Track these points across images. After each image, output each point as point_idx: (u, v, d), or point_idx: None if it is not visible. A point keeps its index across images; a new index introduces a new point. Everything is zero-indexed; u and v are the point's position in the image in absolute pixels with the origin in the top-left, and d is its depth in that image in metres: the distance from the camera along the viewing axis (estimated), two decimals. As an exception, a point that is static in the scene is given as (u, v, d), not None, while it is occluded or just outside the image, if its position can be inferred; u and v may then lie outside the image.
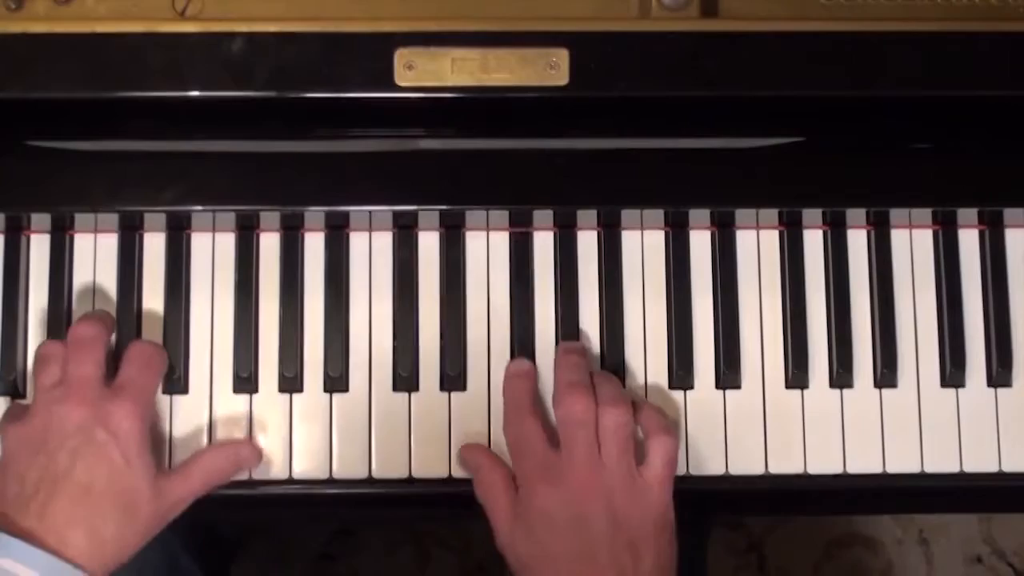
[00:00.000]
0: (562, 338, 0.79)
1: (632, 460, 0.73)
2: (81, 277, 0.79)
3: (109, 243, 0.79)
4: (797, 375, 0.79)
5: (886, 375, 0.79)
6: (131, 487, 0.71)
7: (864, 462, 0.79)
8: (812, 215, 0.80)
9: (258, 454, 0.77)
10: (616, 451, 0.72)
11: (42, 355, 0.75)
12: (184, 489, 0.74)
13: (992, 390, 0.80)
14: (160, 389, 0.77)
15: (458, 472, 0.78)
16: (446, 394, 0.79)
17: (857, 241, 0.81)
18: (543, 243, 0.80)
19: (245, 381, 0.78)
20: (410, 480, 0.78)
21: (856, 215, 0.80)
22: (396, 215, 0.79)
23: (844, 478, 0.78)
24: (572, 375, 0.75)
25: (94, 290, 0.79)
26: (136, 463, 0.71)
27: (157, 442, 0.77)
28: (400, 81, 0.72)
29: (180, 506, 0.74)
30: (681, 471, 0.77)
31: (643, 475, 0.73)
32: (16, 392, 0.78)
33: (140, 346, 0.76)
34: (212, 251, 0.79)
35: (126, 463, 0.71)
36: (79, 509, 0.69)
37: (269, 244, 0.80)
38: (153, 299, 0.79)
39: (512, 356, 0.79)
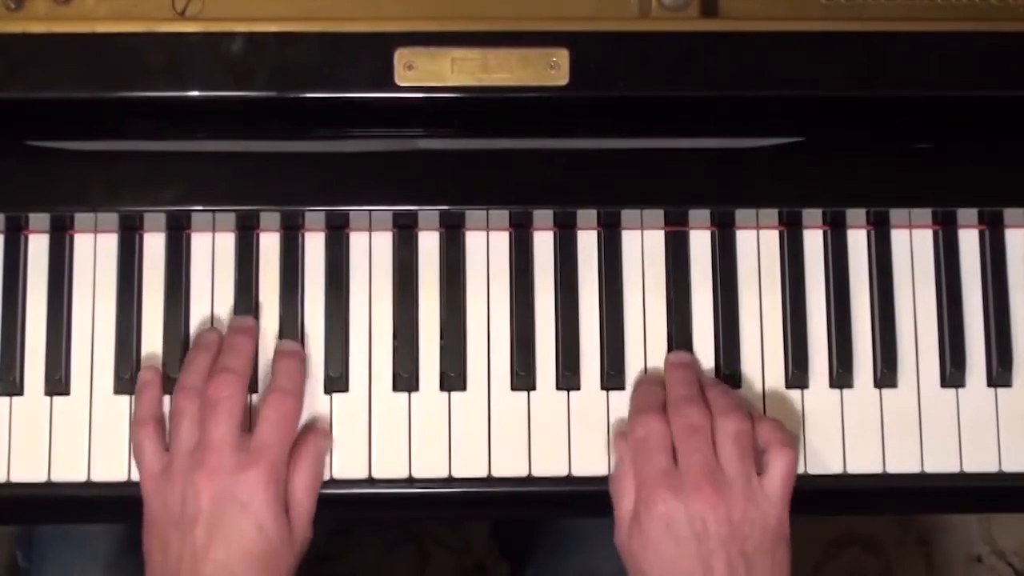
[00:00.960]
0: (562, 339, 0.79)
1: (752, 469, 0.73)
2: (81, 277, 0.79)
3: (109, 243, 0.79)
4: (797, 375, 0.79)
5: (886, 375, 0.79)
6: (268, 552, 0.72)
7: (864, 462, 0.79)
8: (812, 215, 0.80)
9: (328, 436, 0.77)
10: (736, 459, 0.72)
11: (176, 411, 0.74)
12: (307, 518, 0.75)
13: (992, 390, 0.80)
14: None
15: (458, 472, 0.78)
16: (446, 394, 0.79)
17: (857, 241, 0.81)
18: (543, 243, 0.80)
19: (245, 381, 0.78)
20: (410, 480, 0.78)
21: (856, 215, 0.80)
22: (396, 215, 0.79)
23: (844, 478, 0.78)
24: (684, 388, 0.76)
25: (94, 290, 0.79)
26: (272, 530, 0.72)
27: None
28: (400, 81, 0.72)
29: (309, 529, 0.75)
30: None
31: (762, 485, 0.73)
32: (16, 392, 0.78)
33: (278, 401, 0.75)
34: (212, 251, 0.79)
35: (261, 534, 0.71)
36: None
37: (269, 244, 0.80)
38: (153, 299, 0.79)
39: (512, 356, 0.79)
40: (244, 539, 0.71)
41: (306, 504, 0.74)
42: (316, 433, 0.76)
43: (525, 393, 0.79)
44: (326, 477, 0.77)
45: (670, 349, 0.79)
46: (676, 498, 0.71)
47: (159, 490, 0.73)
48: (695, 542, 0.71)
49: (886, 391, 0.80)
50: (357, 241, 0.80)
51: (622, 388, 0.79)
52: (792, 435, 0.77)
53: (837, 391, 0.79)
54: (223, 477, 0.71)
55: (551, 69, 0.72)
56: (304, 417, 0.77)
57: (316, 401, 0.78)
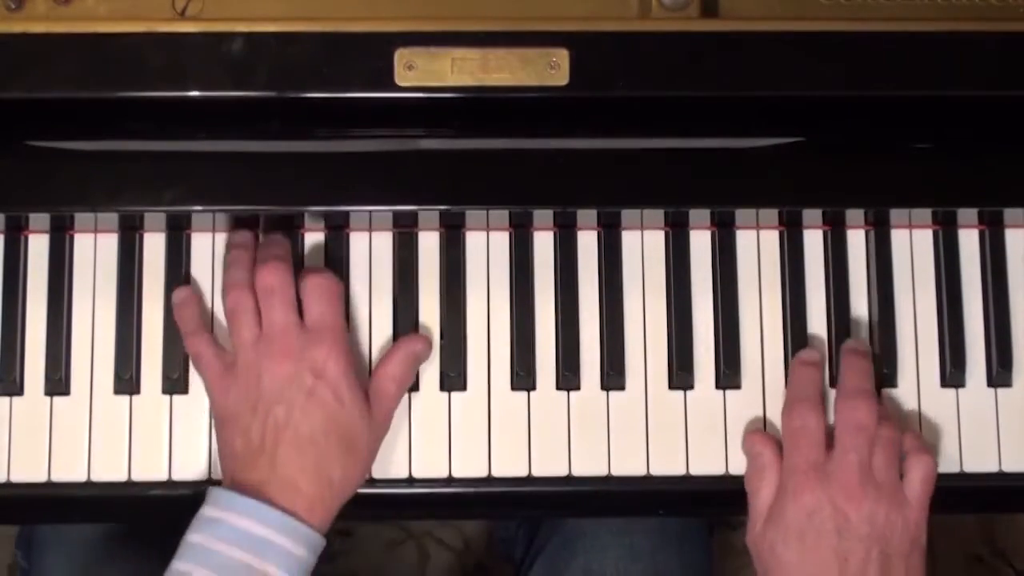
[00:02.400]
0: (562, 339, 0.79)
1: (898, 476, 0.74)
2: (81, 277, 0.79)
3: (109, 243, 0.79)
4: (797, 375, 0.79)
5: (886, 375, 0.79)
6: (348, 424, 0.73)
7: (864, 462, 0.78)
8: (812, 215, 0.80)
9: (429, 344, 0.78)
10: (886, 463, 0.73)
11: (232, 308, 0.75)
12: (390, 406, 0.76)
13: (992, 390, 0.80)
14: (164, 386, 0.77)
15: (458, 472, 0.78)
16: (446, 394, 0.79)
17: (857, 241, 0.81)
18: (543, 243, 0.80)
19: (245, 381, 0.78)
20: (410, 480, 0.78)
21: (856, 215, 0.80)
22: (396, 215, 0.79)
23: (844, 478, 0.78)
24: (861, 381, 0.76)
25: (94, 290, 0.79)
26: (348, 399, 0.73)
27: (155, 444, 0.77)
28: (400, 81, 0.72)
29: (389, 423, 0.76)
30: (680, 471, 0.77)
31: (904, 491, 0.74)
32: (16, 392, 0.78)
33: (316, 279, 0.75)
34: (212, 251, 0.79)
35: (339, 403, 0.72)
36: (305, 457, 0.71)
37: (269, 244, 0.79)
38: (153, 299, 0.79)
39: (512, 356, 0.79)
40: (323, 408, 0.72)
41: (390, 394, 0.76)
42: (412, 337, 0.78)
43: (525, 393, 0.79)
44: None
45: (670, 349, 0.79)
46: (824, 491, 0.72)
47: (230, 387, 0.74)
48: (836, 536, 0.71)
49: (886, 391, 0.79)
50: (357, 241, 0.80)
51: (622, 388, 0.79)
52: (931, 444, 0.78)
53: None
54: (294, 356, 0.72)
55: (551, 69, 0.72)
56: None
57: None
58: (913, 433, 0.77)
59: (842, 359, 0.78)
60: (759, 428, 0.78)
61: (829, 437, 0.75)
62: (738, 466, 0.78)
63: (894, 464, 0.74)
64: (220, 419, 0.74)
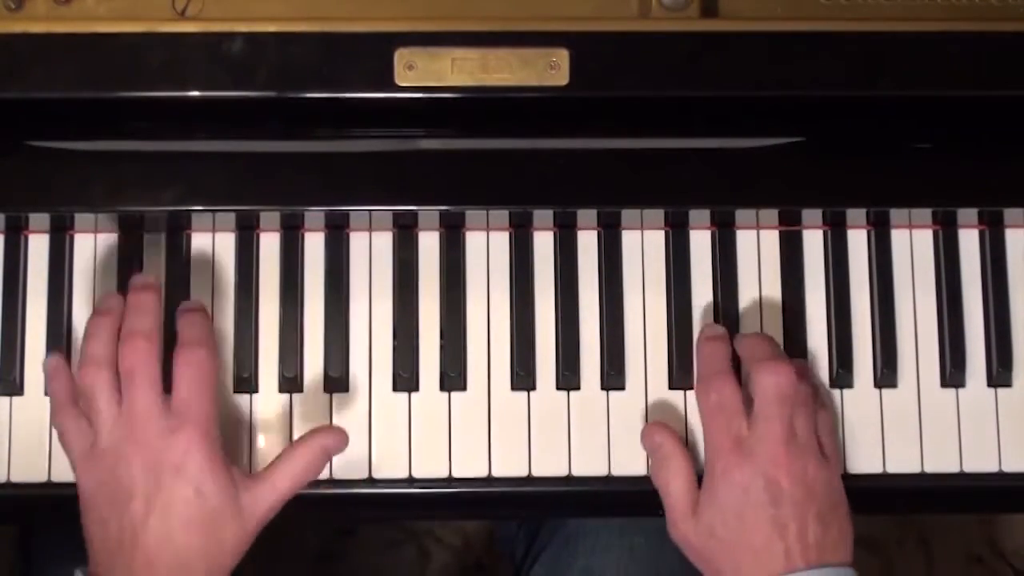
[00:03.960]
0: (562, 339, 0.79)
1: (815, 432, 0.74)
2: (81, 277, 0.79)
3: (109, 243, 0.79)
4: (797, 375, 0.79)
5: (886, 375, 0.79)
6: (210, 517, 0.69)
7: (864, 462, 0.79)
8: (812, 215, 0.80)
9: (344, 439, 0.75)
10: (806, 423, 0.73)
11: (87, 386, 0.71)
12: (272, 498, 0.72)
13: (992, 390, 0.80)
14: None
15: (458, 472, 0.78)
16: (446, 394, 0.79)
17: (857, 241, 0.81)
18: (543, 243, 0.80)
19: (245, 381, 0.78)
20: (410, 480, 0.78)
21: (856, 215, 0.80)
22: (396, 215, 0.79)
23: (844, 478, 0.78)
24: (766, 349, 0.75)
25: (94, 290, 0.79)
26: (210, 491, 0.69)
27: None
28: (400, 81, 0.72)
29: (270, 514, 0.72)
30: (681, 471, 0.77)
31: (823, 448, 0.74)
32: (16, 392, 0.78)
33: (187, 356, 0.71)
34: (212, 251, 0.79)
35: (199, 496, 0.69)
36: (164, 554, 0.68)
37: (269, 244, 0.80)
38: (153, 299, 0.79)
39: (512, 356, 0.79)
40: (182, 505, 0.68)
41: (270, 503, 0.72)
42: (325, 432, 0.75)
43: (525, 393, 0.79)
44: (325, 476, 0.77)
45: (670, 349, 0.79)
46: (753, 464, 0.72)
47: (90, 469, 0.70)
48: (773, 506, 0.71)
49: (886, 391, 0.80)
50: (357, 241, 0.80)
51: (622, 388, 0.79)
52: (819, 392, 0.78)
53: (837, 391, 0.79)
54: (153, 445, 0.69)
55: (551, 69, 0.72)
56: (314, 416, 0.78)
57: (317, 401, 0.78)
58: (814, 386, 0.77)
59: (739, 341, 0.77)
60: (658, 423, 0.77)
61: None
62: (738, 466, 0.78)
63: (811, 420, 0.73)
64: (81, 503, 0.71)
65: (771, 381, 0.72)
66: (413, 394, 0.79)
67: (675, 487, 0.74)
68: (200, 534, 0.69)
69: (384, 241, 0.80)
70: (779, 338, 0.80)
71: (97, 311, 0.74)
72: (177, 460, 0.69)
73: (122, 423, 0.70)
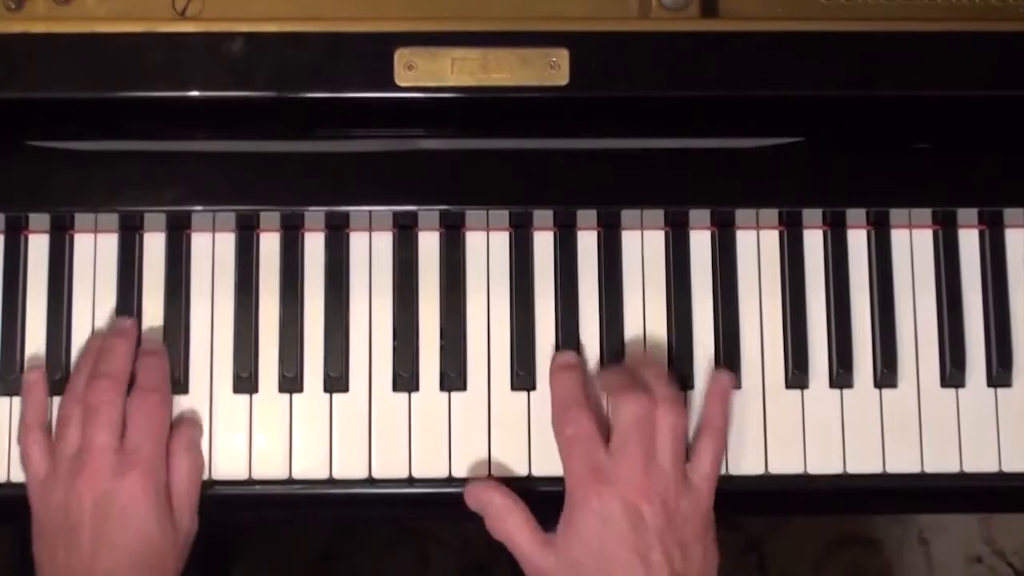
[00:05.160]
0: (563, 338, 0.79)
1: (683, 459, 0.73)
2: (81, 277, 0.79)
3: (109, 243, 0.79)
4: (797, 375, 0.79)
5: (886, 375, 0.79)
6: (153, 554, 0.72)
7: (864, 462, 0.79)
8: (812, 215, 0.80)
9: (198, 426, 0.77)
10: (671, 451, 0.73)
11: (62, 417, 0.75)
12: (191, 511, 0.75)
13: (992, 390, 0.80)
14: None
15: (458, 472, 0.78)
16: (446, 394, 0.79)
17: (857, 241, 0.81)
18: (543, 243, 0.80)
19: (245, 381, 0.78)
20: (410, 480, 0.78)
21: (856, 215, 0.80)
22: (396, 215, 0.79)
23: (844, 478, 0.78)
24: (621, 377, 0.75)
25: (94, 290, 0.79)
26: (153, 530, 0.72)
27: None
28: (400, 81, 0.72)
29: (195, 522, 0.76)
30: (681, 471, 0.77)
31: (691, 474, 0.73)
32: (16, 392, 0.78)
33: (142, 400, 0.75)
34: (212, 251, 0.79)
35: (144, 537, 0.72)
36: None
37: (269, 244, 0.80)
38: (153, 299, 0.79)
39: (512, 356, 0.79)
40: (129, 546, 0.72)
41: (188, 497, 0.75)
42: (185, 424, 0.77)
43: (525, 393, 0.79)
44: (325, 476, 0.77)
45: (671, 349, 0.79)
46: (611, 491, 0.71)
47: (44, 496, 0.74)
48: (632, 534, 0.70)
49: (886, 391, 0.79)
50: (357, 241, 0.80)
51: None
52: (725, 418, 0.77)
53: (837, 391, 0.79)
54: (103, 483, 0.72)
55: (551, 69, 0.72)
56: (313, 416, 0.78)
57: (316, 401, 0.78)
58: (709, 409, 0.76)
59: (600, 376, 0.77)
60: (478, 481, 0.77)
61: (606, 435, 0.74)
62: (733, 466, 0.78)
63: (679, 448, 0.73)
64: (34, 528, 0.75)
65: (627, 409, 0.73)
66: (413, 394, 0.79)
67: (521, 538, 0.74)
68: (144, 571, 0.72)
69: (384, 241, 0.80)
70: (779, 338, 0.80)
71: (87, 350, 0.78)
72: (125, 502, 0.72)
73: (80, 456, 0.73)
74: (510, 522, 0.74)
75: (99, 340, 0.77)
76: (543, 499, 0.78)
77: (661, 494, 0.71)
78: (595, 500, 0.71)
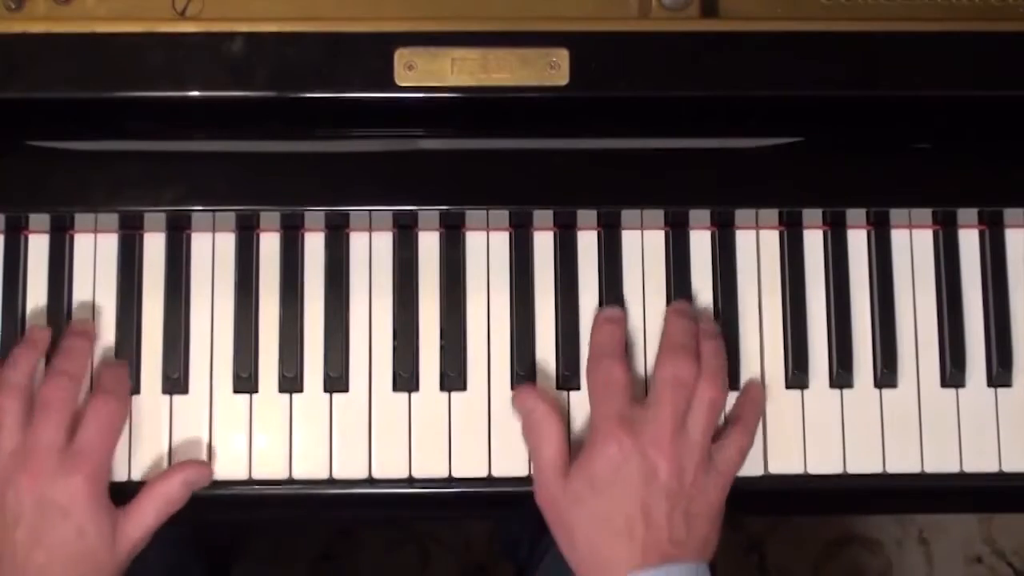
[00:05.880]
0: (562, 339, 0.79)
1: (710, 438, 0.73)
2: (81, 277, 0.79)
3: (109, 243, 0.79)
4: (797, 375, 0.79)
5: (886, 375, 0.79)
6: (90, 553, 0.72)
7: (864, 462, 0.79)
8: (812, 215, 0.80)
9: (208, 472, 0.77)
10: (703, 424, 0.73)
11: (4, 408, 0.73)
12: (139, 533, 0.74)
13: (992, 390, 0.80)
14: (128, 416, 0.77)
15: (458, 472, 0.78)
16: (446, 394, 0.79)
17: (857, 241, 0.81)
18: (543, 243, 0.80)
19: (245, 381, 0.78)
20: (410, 480, 0.78)
21: (856, 215, 0.80)
22: (396, 215, 0.79)
23: (844, 478, 0.78)
24: (683, 337, 0.76)
25: (94, 290, 0.79)
26: (91, 530, 0.72)
27: (155, 444, 0.77)
28: (400, 81, 0.72)
29: (140, 545, 0.75)
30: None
31: (716, 455, 0.73)
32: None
33: (101, 404, 0.74)
34: (212, 251, 0.79)
35: (80, 535, 0.72)
36: None
37: (269, 244, 0.80)
38: (153, 299, 0.79)
39: (512, 356, 0.79)
40: (65, 544, 0.71)
41: (134, 540, 0.74)
42: (186, 466, 0.76)
43: (525, 393, 0.79)
44: (325, 476, 0.77)
45: (670, 349, 0.79)
46: (634, 441, 0.71)
47: None
48: (643, 485, 0.71)
49: (886, 391, 0.80)
50: (357, 241, 0.80)
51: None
52: (757, 420, 0.77)
53: (837, 391, 0.79)
54: (45, 481, 0.71)
55: (551, 69, 0.72)
56: (313, 416, 0.78)
57: (316, 401, 0.78)
58: (748, 402, 0.77)
59: (666, 319, 0.78)
60: (528, 387, 0.77)
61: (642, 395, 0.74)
62: (738, 466, 0.78)
63: (711, 426, 0.73)
64: None
65: (669, 368, 0.73)
66: (413, 394, 0.79)
67: (547, 450, 0.74)
68: (79, 570, 0.72)
69: (384, 241, 0.80)
70: (779, 338, 0.80)
71: (24, 341, 0.76)
72: (65, 502, 0.71)
73: (23, 451, 0.72)
74: (542, 435, 0.74)
75: (37, 332, 0.77)
76: (543, 499, 0.78)
77: (681, 460, 0.71)
78: (615, 445, 0.72)
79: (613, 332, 0.77)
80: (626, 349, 0.78)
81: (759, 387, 0.78)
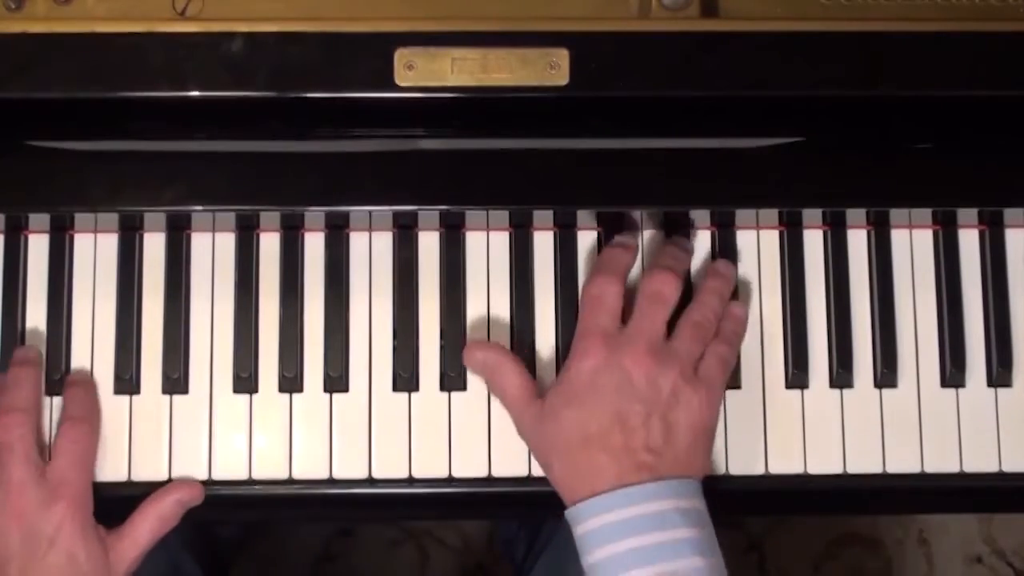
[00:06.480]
0: (562, 338, 0.79)
1: (697, 354, 0.73)
2: (81, 277, 0.79)
3: (109, 243, 0.79)
4: (797, 375, 0.79)
5: (886, 375, 0.79)
6: None
7: (864, 462, 0.79)
8: (812, 215, 0.80)
9: (199, 491, 0.77)
10: (687, 341, 0.73)
11: None
12: (134, 553, 0.75)
13: (992, 390, 0.80)
14: (108, 402, 0.77)
15: (458, 472, 0.78)
16: (446, 394, 0.79)
17: (857, 241, 0.81)
18: (543, 243, 0.80)
19: (245, 381, 0.78)
20: (410, 480, 0.78)
21: (856, 215, 0.80)
22: (396, 215, 0.79)
23: (844, 478, 0.78)
24: (669, 260, 0.76)
25: (94, 290, 0.79)
26: (82, 555, 0.72)
27: (155, 444, 0.77)
28: (400, 81, 0.72)
29: (134, 565, 0.75)
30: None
31: (699, 369, 0.73)
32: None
33: (69, 432, 0.74)
34: (212, 251, 0.79)
35: (71, 561, 0.72)
36: None
37: (269, 244, 0.80)
38: (153, 299, 0.79)
39: (512, 356, 0.79)
40: (59, 571, 0.71)
41: (130, 557, 0.74)
42: (178, 486, 0.76)
43: (525, 393, 0.79)
44: (325, 476, 0.77)
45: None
46: (611, 353, 0.72)
47: None
48: (616, 394, 0.71)
49: (886, 391, 0.80)
50: (357, 241, 0.80)
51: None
52: (738, 336, 0.77)
53: (837, 391, 0.79)
54: (29, 516, 0.71)
55: (551, 69, 0.72)
56: (313, 416, 0.78)
57: (316, 401, 0.78)
58: (732, 322, 0.77)
59: (661, 247, 0.78)
60: (473, 342, 0.77)
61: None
62: (733, 466, 0.78)
63: (696, 344, 0.73)
64: None
65: (652, 283, 0.74)
66: (413, 394, 0.79)
67: (510, 383, 0.74)
68: None
69: (384, 241, 0.80)
70: (779, 338, 0.80)
71: None
72: (51, 532, 0.72)
73: (0, 493, 0.72)
74: (503, 373, 0.75)
75: None
76: (544, 500, 0.78)
77: (659, 368, 0.71)
78: (591, 358, 0.72)
79: (620, 255, 0.76)
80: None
81: (742, 306, 0.78)
